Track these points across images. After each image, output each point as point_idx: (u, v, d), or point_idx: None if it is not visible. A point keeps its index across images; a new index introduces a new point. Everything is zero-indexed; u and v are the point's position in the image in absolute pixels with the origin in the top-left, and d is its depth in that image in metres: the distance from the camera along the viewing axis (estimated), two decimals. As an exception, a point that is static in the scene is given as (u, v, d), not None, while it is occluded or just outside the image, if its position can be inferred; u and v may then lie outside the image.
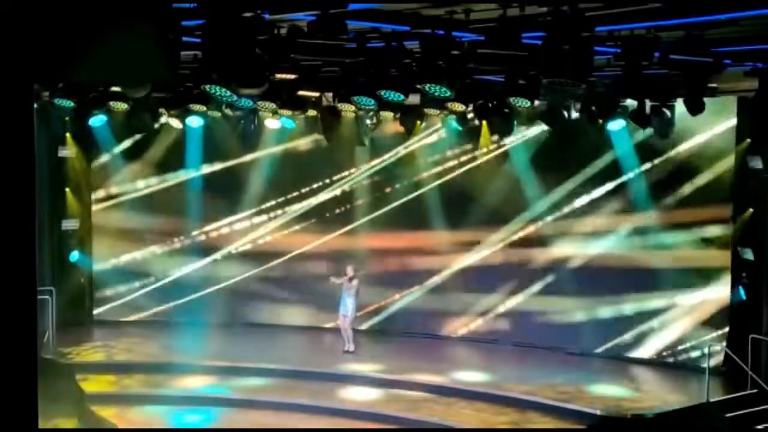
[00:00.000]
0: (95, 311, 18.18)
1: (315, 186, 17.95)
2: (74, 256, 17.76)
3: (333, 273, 16.52)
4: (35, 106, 10.39)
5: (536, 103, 11.23)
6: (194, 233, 18.31)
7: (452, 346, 17.25)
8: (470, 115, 13.60)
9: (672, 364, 15.46)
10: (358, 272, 16.13)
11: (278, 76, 10.05)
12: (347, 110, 13.38)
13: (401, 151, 17.44)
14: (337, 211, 17.95)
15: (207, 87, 9.17)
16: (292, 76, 10.58)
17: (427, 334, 17.33)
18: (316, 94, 13.25)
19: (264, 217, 18.22)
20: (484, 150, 16.60)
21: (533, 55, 8.33)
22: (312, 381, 14.65)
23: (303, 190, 18.01)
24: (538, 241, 16.63)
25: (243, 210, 18.15)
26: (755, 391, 13.31)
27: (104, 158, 18.03)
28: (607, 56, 9.71)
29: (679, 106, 11.56)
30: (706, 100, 11.00)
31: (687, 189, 15.13)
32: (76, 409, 13.31)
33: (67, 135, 17.32)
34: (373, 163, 17.70)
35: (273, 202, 18.14)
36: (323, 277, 16.87)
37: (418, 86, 9.74)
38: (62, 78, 9.46)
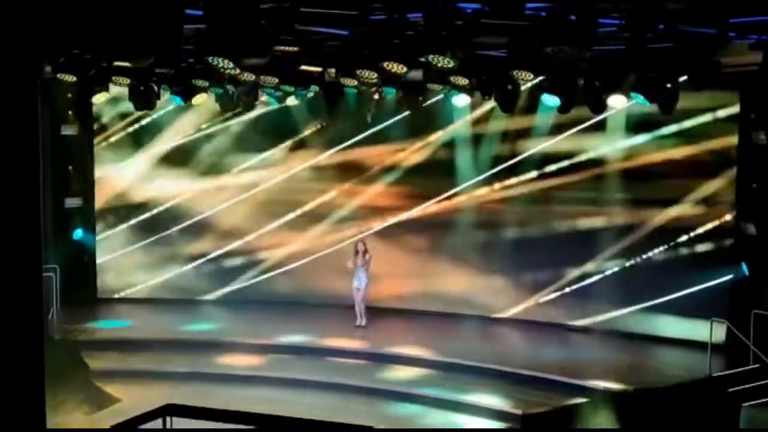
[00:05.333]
0: (99, 289, 18.22)
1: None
2: (78, 233, 17.79)
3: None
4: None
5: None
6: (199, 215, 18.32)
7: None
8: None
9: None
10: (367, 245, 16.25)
11: (280, 48, 10.01)
12: (350, 85, 13.31)
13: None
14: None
15: (210, 58, 9.14)
16: (294, 49, 10.53)
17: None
18: (319, 70, 13.17)
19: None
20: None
21: (537, 25, 8.30)
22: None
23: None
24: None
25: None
26: (757, 366, 13.34)
27: (107, 135, 18.01)
28: (612, 28, 9.66)
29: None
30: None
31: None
32: (81, 385, 13.39)
33: (70, 112, 17.30)
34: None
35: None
36: None
37: (422, 59, 9.70)
38: (65, 49, 9.45)
